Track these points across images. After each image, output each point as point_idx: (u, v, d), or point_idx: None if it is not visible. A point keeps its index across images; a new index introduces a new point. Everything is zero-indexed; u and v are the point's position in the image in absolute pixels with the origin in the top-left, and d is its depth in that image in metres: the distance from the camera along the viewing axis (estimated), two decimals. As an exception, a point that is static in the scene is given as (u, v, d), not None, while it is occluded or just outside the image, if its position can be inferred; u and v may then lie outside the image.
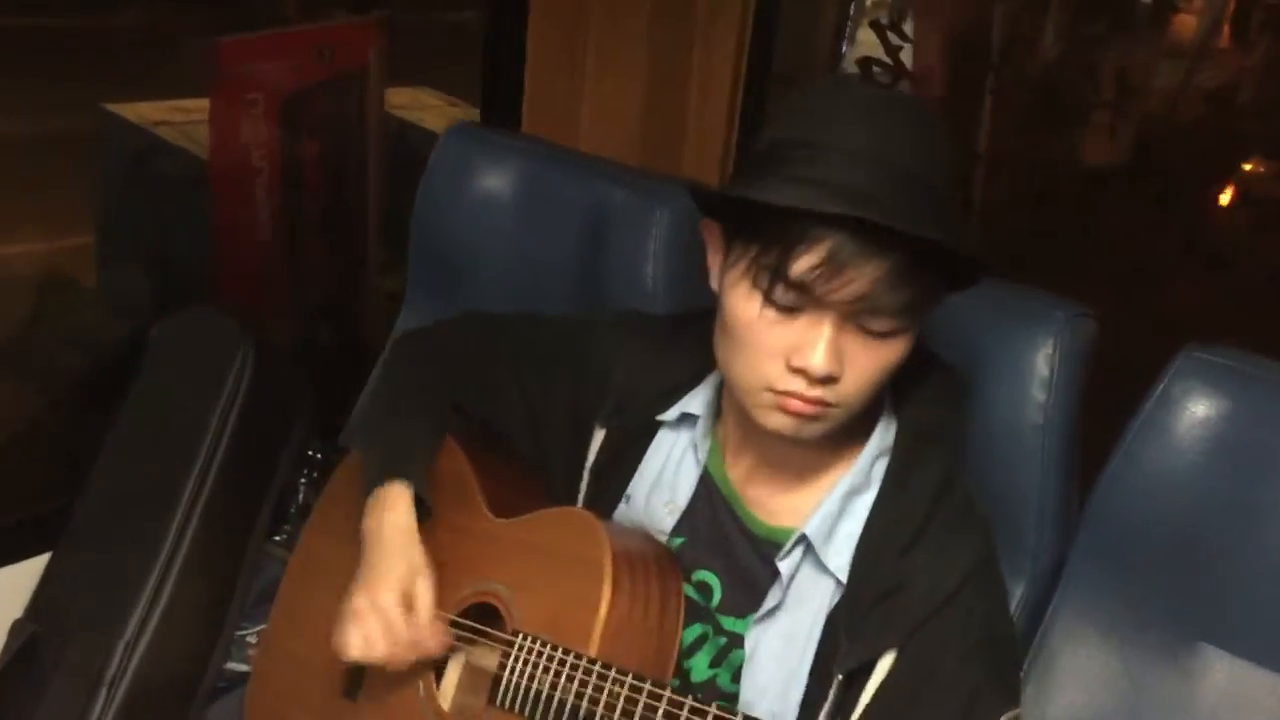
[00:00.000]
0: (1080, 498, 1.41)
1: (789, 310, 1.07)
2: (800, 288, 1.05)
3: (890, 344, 1.09)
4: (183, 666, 1.59)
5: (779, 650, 1.20)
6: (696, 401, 1.29)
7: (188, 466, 1.61)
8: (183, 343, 1.74)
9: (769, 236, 1.06)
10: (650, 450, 1.32)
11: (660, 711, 1.09)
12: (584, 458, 1.35)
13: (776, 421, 1.12)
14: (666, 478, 1.30)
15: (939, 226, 1.02)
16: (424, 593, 1.28)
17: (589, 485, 1.35)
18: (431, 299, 1.95)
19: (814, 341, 1.07)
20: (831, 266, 1.03)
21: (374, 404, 1.47)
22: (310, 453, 1.77)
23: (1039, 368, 1.38)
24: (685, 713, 1.08)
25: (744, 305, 1.10)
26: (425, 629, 1.27)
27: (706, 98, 2.14)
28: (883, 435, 1.21)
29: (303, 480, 1.77)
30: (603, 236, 1.75)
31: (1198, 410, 1.31)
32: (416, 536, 1.31)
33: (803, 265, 1.04)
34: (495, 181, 1.87)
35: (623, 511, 1.32)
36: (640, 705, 1.10)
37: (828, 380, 1.08)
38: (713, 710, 1.07)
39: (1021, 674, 1.34)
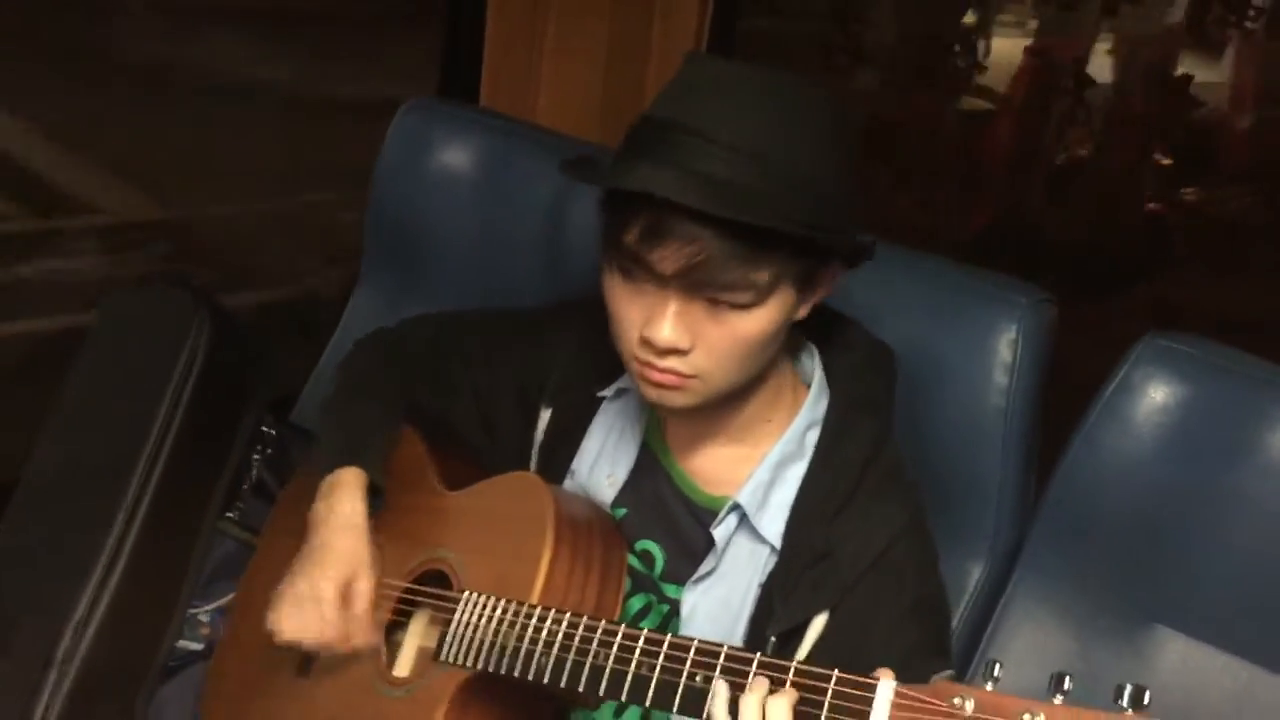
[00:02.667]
0: (1039, 481, 1.43)
1: (635, 281, 1.13)
2: (634, 257, 1.10)
3: (743, 317, 1.12)
4: (134, 646, 1.56)
5: (715, 613, 1.24)
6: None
7: (141, 442, 1.58)
8: (137, 315, 1.71)
9: (610, 211, 1.13)
10: (592, 426, 1.35)
11: (595, 641, 1.11)
12: (532, 438, 1.38)
13: (646, 391, 1.18)
14: (607, 452, 1.33)
15: (770, 208, 1.06)
16: (363, 589, 1.29)
17: (538, 464, 1.37)
18: (388, 275, 1.93)
19: (660, 314, 1.12)
20: (654, 237, 1.08)
21: (332, 399, 1.48)
22: (264, 429, 1.74)
23: (1001, 353, 1.39)
24: (618, 639, 1.10)
25: (606, 277, 1.16)
26: (359, 623, 1.28)
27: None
28: (814, 407, 1.26)
29: (256, 456, 1.74)
30: (564, 212, 1.74)
31: (1157, 397, 1.33)
32: (365, 528, 1.32)
33: (631, 235, 1.09)
34: (454, 156, 1.85)
35: (568, 487, 1.35)
36: (577, 639, 1.13)
37: (676, 351, 1.13)
38: (644, 634, 1.09)
39: (954, 635, 1.37)
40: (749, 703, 0.99)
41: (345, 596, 1.28)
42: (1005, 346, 1.39)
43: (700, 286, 1.10)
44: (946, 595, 1.27)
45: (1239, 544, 1.29)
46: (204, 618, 1.64)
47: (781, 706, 0.97)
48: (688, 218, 1.05)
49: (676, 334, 1.11)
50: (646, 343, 1.13)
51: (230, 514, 1.70)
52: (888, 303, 1.41)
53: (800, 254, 1.11)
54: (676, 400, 1.17)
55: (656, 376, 1.15)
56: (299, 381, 1.93)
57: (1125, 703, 0.84)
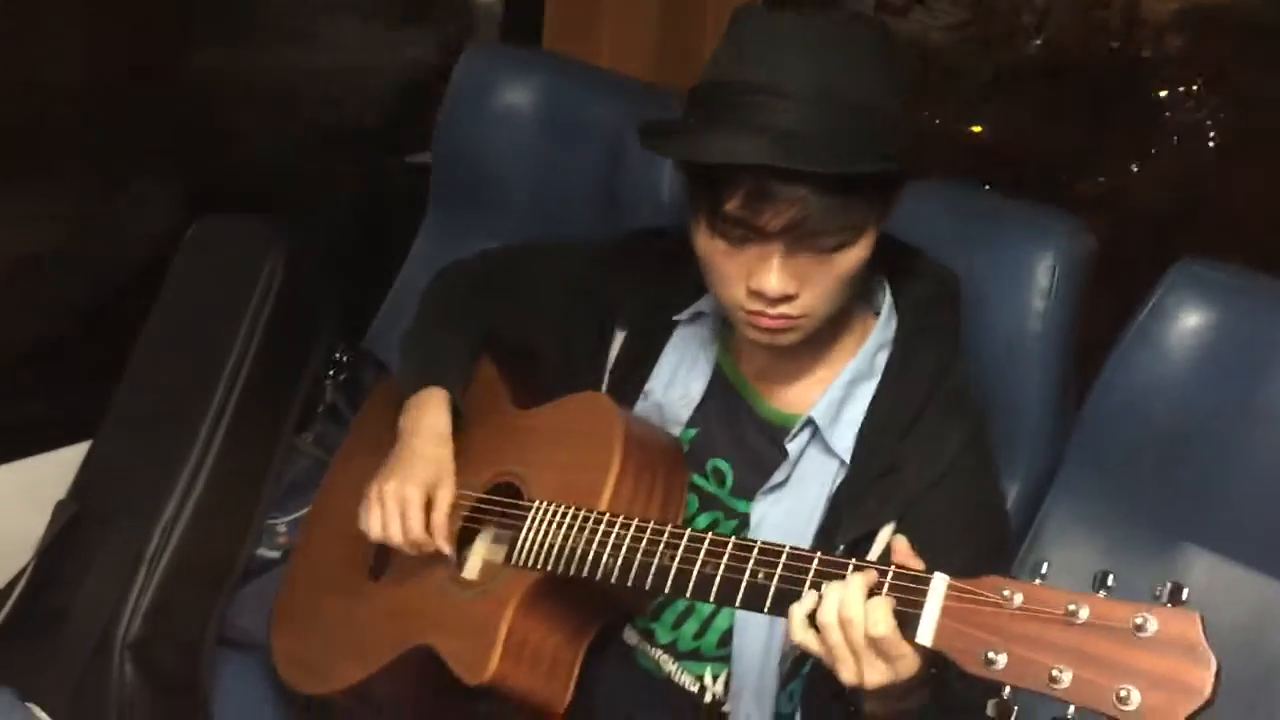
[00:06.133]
0: (1076, 402, 1.48)
1: (737, 240, 1.16)
2: (737, 222, 1.14)
3: (843, 255, 1.17)
4: (216, 550, 1.66)
5: (783, 523, 1.28)
6: (708, 303, 1.37)
7: (222, 362, 1.67)
8: (218, 244, 1.80)
9: (701, 178, 1.15)
10: (667, 348, 1.40)
11: (662, 543, 1.16)
12: (606, 358, 1.44)
13: (753, 334, 1.22)
14: (681, 374, 1.38)
15: (853, 150, 1.10)
16: (444, 497, 1.37)
17: (610, 384, 1.43)
18: (455, 209, 2.01)
19: (766, 267, 1.15)
20: (759, 202, 1.11)
21: (415, 326, 1.56)
22: (337, 355, 1.83)
23: (1039, 278, 1.44)
24: (684, 540, 1.15)
25: (701, 237, 1.19)
26: (438, 528, 1.36)
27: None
28: (884, 329, 1.30)
29: (328, 380, 1.83)
30: (620, 153, 1.79)
31: (1189, 320, 1.38)
32: (449, 440, 1.41)
33: (733, 204, 1.13)
34: (516, 99, 1.92)
35: (641, 407, 1.40)
36: (644, 542, 1.17)
37: (786, 299, 1.17)
38: (708, 535, 1.13)
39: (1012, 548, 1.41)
40: (830, 587, 1.02)
41: (429, 502, 1.36)
42: (1043, 273, 1.44)
43: (805, 237, 1.14)
44: (1005, 506, 1.32)
45: (1266, 463, 1.33)
46: (282, 528, 1.73)
47: (857, 585, 1.01)
48: (787, 179, 1.09)
49: (785, 282, 1.16)
50: (756, 294, 1.17)
51: (306, 433, 1.80)
52: (932, 231, 1.44)
53: (885, 185, 1.16)
54: (789, 339, 1.22)
55: (768, 323, 1.19)
56: (371, 309, 2.02)
57: (1165, 598, 0.88)
